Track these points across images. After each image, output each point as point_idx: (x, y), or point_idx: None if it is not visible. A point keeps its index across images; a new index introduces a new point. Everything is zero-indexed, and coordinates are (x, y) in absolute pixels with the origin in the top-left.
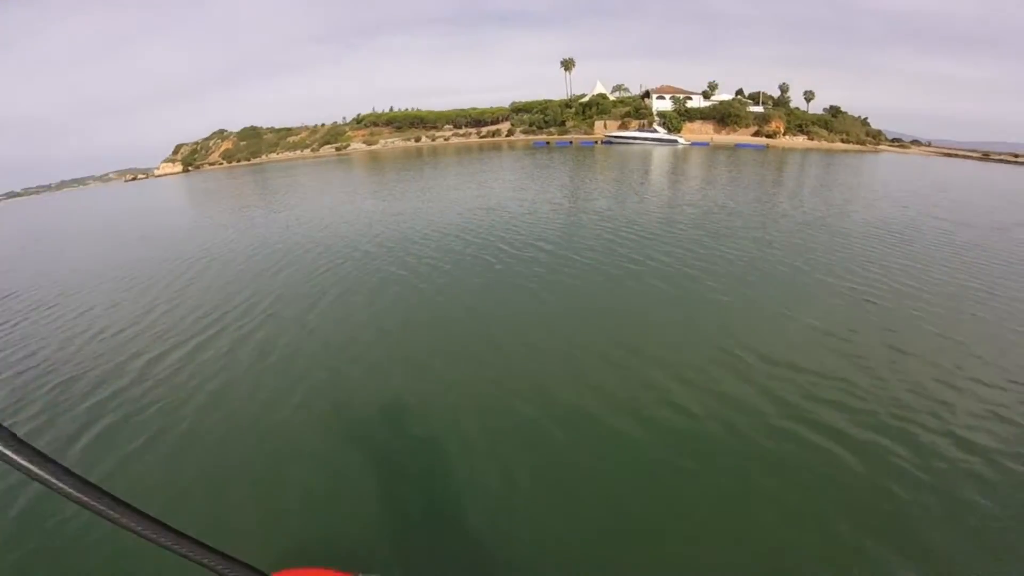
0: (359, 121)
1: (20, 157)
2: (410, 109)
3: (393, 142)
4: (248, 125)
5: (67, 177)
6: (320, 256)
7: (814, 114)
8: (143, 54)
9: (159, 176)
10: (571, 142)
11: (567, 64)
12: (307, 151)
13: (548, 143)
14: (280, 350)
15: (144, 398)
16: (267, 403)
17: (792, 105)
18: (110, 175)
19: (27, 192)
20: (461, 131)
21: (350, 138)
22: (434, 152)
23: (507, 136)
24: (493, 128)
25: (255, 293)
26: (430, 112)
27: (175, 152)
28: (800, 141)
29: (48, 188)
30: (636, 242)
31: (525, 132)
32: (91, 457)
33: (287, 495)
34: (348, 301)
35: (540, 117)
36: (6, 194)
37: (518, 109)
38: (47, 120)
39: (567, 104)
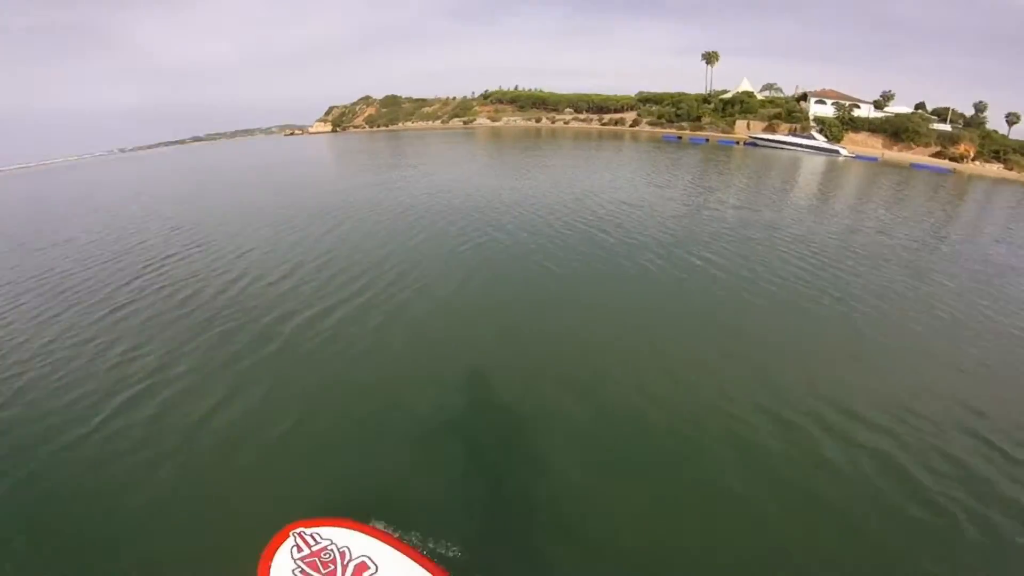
0: (486, 97)
1: (204, 105)
2: (533, 89)
3: (515, 120)
4: (390, 93)
5: (239, 128)
6: (457, 230)
7: (1016, 140)
8: (308, 20)
9: (312, 133)
10: (707, 139)
11: (709, 58)
12: (438, 122)
13: (680, 138)
14: (419, 325)
15: (282, 352)
16: (388, 375)
17: (989, 127)
18: (272, 129)
19: (208, 137)
20: (582, 116)
21: (476, 113)
22: (553, 134)
23: (631, 126)
24: (616, 116)
25: (396, 260)
26: (552, 94)
27: (327, 113)
28: (994, 169)
29: (224, 135)
30: (825, 273)
31: (651, 124)
32: (225, 408)
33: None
34: (486, 287)
35: (672, 110)
36: (192, 138)
37: (645, 99)
38: (229, 70)
39: (705, 99)
